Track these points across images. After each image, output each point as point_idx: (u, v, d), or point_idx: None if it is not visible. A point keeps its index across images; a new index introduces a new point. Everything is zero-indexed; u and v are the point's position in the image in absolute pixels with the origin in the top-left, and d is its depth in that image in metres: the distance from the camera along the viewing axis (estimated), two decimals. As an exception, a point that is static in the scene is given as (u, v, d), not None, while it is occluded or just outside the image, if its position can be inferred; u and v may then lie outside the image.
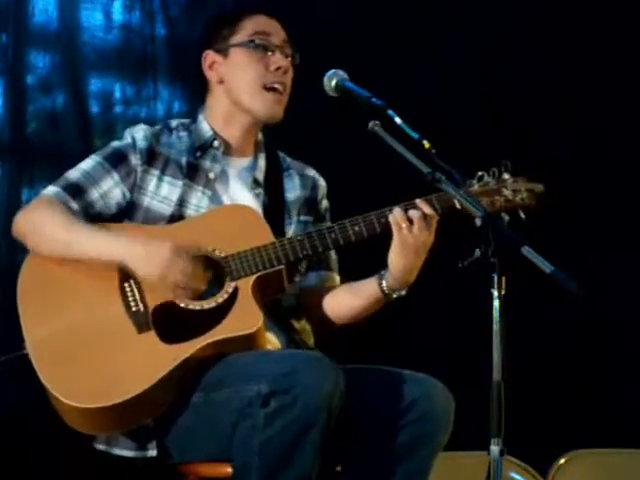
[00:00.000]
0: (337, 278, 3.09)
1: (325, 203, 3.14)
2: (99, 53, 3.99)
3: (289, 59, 3.00)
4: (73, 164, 2.99)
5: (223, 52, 3.00)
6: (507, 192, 2.86)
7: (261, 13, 3.03)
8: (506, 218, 2.81)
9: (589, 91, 4.32)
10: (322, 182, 3.15)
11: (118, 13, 4.02)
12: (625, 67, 4.37)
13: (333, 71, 2.81)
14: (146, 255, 2.77)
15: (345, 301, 2.98)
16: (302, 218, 3.07)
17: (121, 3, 4.02)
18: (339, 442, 2.70)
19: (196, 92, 3.11)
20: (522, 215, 2.85)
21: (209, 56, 3.02)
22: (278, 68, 2.96)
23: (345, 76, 2.80)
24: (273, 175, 3.07)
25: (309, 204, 3.10)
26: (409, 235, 2.77)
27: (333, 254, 3.08)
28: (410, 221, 2.78)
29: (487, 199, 2.82)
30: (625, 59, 4.37)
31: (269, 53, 2.98)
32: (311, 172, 3.15)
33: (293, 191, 3.09)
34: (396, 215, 2.79)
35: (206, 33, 3.07)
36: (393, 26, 4.20)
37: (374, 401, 2.76)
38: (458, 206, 2.76)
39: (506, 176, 2.88)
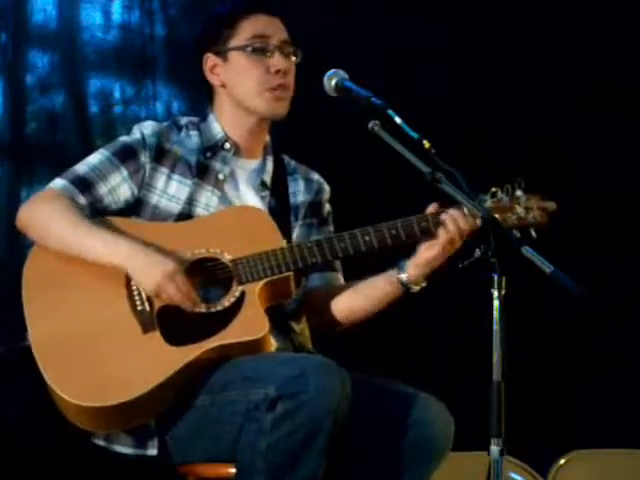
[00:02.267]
0: (341, 279, 3.08)
1: (328, 207, 3.14)
2: (98, 53, 3.99)
3: (290, 58, 2.99)
4: (72, 164, 2.97)
5: (223, 55, 2.98)
6: (519, 210, 2.85)
7: (259, 12, 2.99)
8: (517, 235, 2.80)
9: (591, 94, 4.32)
10: (326, 187, 3.15)
11: (117, 13, 4.02)
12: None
13: (333, 71, 2.81)
14: (143, 268, 2.76)
15: (358, 298, 2.97)
16: (306, 221, 3.08)
17: (120, 3, 4.02)
18: (337, 453, 2.69)
19: (203, 94, 3.09)
20: (533, 233, 2.84)
21: (209, 59, 3.00)
22: (278, 71, 2.95)
23: (345, 76, 2.80)
24: (279, 178, 3.07)
25: (313, 208, 3.10)
26: (457, 239, 2.79)
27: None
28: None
29: (499, 216, 2.80)
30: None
31: (268, 55, 2.96)
32: (315, 176, 3.15)
33: (298, 194, 3.09)
34: (457, 218, 2.79)
35: (205, 35, 3.04)
36: (393, 26, 4.19)
37: (373, 419, 2.75)
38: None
39: (519, 193, 2.87)
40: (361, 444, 2.75)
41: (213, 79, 3.01)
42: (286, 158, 3.13)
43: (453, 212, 2.80)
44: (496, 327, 2.38)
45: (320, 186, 3.14)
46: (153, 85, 4.04)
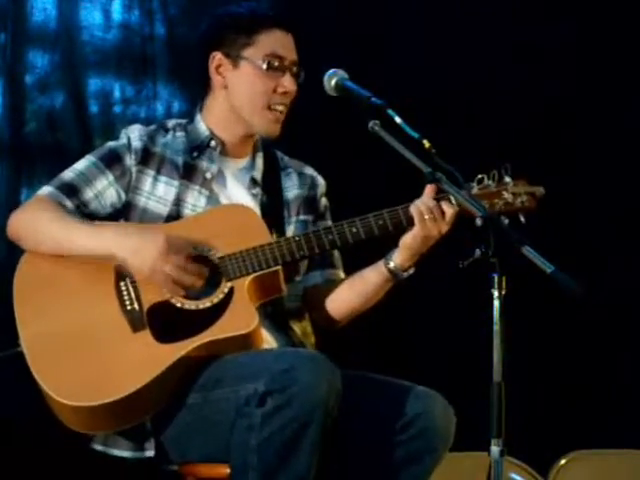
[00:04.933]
0: (342, 275, 3.08)
1: (324, 201, 3.14)
2: (98, 52, 3.99)
3: (296, 80, 2.97)
4: (72, 164, 2.99)
5: (233, 60, 2.96)
6: (507, 195, 2.86)
7: (278, 27, 2.96)
8: (506, 221, 2.81)
9: (590, 93, 4.32)
10: (321, 180, 3.15)
11: (117, 12, 4.01)
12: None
13: (333, 71, 2.81)
14: (138, 247, 2.77)
15: (351, 293, 2.98)
16: (302, 217, 3.07)
17: (120, 2, 4.01)
18: (337, 449, 2.70)
19: (197, 89, 3.08)
20: (522, 218, 2.84)
21: (217, 58, 2.98)
22: (285, 92, 2.95)
23: (345, 76, 2.80)
24: (271, 174, 3.07)
25: (308, 203, 3.10)
26: (434, 225, 2.78)
27: (336, 252, 3.07)
28: (441, 212, 2.79)
29: (487, 202, 2.81)
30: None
31: (280, 75, 2.95)
32: (309, 170, 3.15)
33: (292, 190, 3.09)
34: (429, 204, 2.78)
35: (217, 33, 3.00)
36: (393, 26, 4.19)
37: (374, 414, 2.75)
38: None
39: (507, 179, 2.88)
40: (364, 439, 2.75)
41: (216, 78, 3.00)
42: (279, 153, 3.13)
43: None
44: (496, 327, 2.38)
45: (314, 180, 3.13)
46: (153, 85, 4.04)
